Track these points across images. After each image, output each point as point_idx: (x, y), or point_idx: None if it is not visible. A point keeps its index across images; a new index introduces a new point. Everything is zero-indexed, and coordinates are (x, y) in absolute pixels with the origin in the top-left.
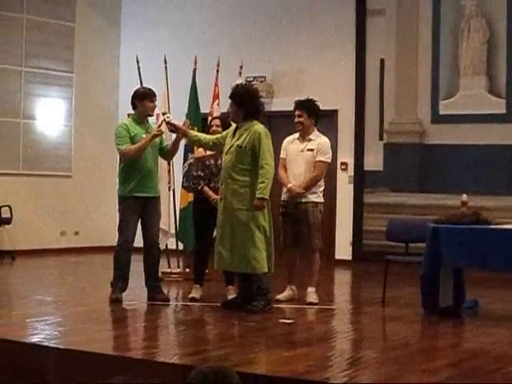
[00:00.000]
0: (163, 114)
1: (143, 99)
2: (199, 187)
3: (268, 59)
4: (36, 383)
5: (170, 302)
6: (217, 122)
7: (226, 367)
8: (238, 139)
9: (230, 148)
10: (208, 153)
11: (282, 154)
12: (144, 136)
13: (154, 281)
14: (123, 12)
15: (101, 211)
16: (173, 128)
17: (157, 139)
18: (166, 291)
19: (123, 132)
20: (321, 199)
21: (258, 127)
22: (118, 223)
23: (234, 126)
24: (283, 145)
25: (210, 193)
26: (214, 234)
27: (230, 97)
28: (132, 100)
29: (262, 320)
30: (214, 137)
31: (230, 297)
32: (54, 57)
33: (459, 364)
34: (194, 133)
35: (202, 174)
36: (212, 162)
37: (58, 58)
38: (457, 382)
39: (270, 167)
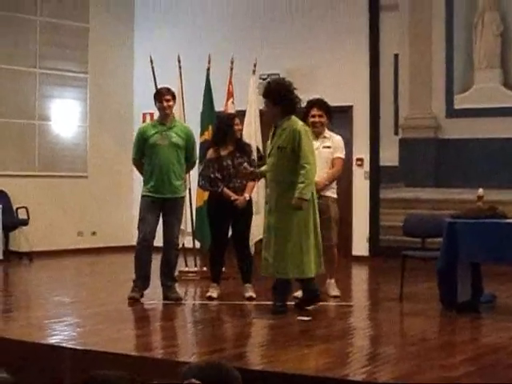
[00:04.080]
0: (241, 163)
1: (156, 100)
2: (219, 190)
3: (281, 56)
4: None
5: (185, 301)
6: (238, 120)
7: (222, 362)
8: (278, 139)
9: (271, 150)
10: (222, 153)
11: None
12: (160, 136)
13: (167, 280)
14: (136, 12)
15: (117, 211)
16: (253, 176)
17: (175, 140)
18: (183, 290)
19: (135, 140)
20: (336, 196)
21: (297, 125)
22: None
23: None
24: None
25: (231, 193)
26: (230, 233)
27: (264, 96)
28: None
29: (279, 318)
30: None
31: (248, 294)
32: (69, 58)
33: (477, 359)
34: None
35: (220, 176)
36: (229, 162)
37: (72, 59)
38: (475, 377)
39: (312, 167)
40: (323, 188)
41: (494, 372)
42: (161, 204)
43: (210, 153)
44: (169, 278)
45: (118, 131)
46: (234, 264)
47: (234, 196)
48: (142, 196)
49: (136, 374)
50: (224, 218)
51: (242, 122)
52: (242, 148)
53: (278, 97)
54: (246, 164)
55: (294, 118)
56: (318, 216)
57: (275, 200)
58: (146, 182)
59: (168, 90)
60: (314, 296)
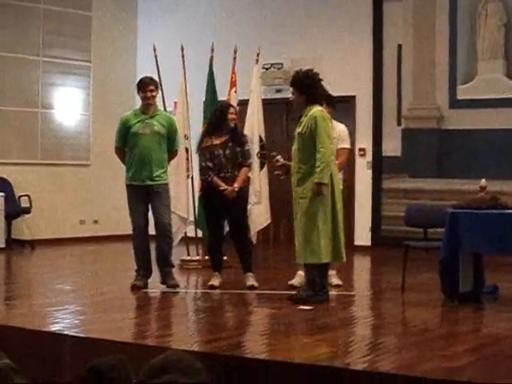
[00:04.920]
0: (273, 156)
1: (138, 90)
2: (209, 178)
3: (285, 46)
4: (56, 372)
5: (187, 290)
6: (233, 110)
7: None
8: (299, 126)
9: (294, 137)
10: (215, 142)
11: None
12: (142, 125)
13: (163, 266)
14: (140, 1)
15: (120, 199)
16: (284, 169)
17: (157, 128)
18: (184, 278)
19: (117, 129)
20: (342, 187)
21: (315, 111)
22: None
23: None
24: None
25: (220, 182)
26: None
27: (291, 84)
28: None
29: (281, 307)
30: None
31: (249, 283)
32: (72, 46)
33: (479, 349)
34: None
35: (211, 165)
36: (221, 151)
37: (75, 47)
38: (477, 367)
39: (327, 150)
40: None
41: (496, 362)
42: (145, 192)
43: (204, 141)
44: (164, 264)
45: None
46: (235, 253)
47: (222, 186)
48: (126, 186)
49: (137, 362)
50: (216, 208)
51: (244, 111)
52: (237, 138)
53: (303, 86)
54: (279, 157)
55: (317, 106)
56: (338, 203)
57: (296, 186)
58: (128, 170)
59: (151, 79)
60: (315, 288)
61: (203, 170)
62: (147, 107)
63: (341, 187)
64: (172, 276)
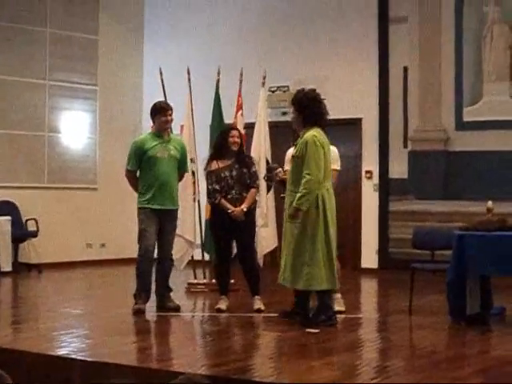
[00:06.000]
0: (275, 168)
1: (156, 114)
2: (216, 201)
3: (291, 69)
4: None
5: (194, 314)
6: (235, 133)
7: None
8: (294, 148)
9: (291, 159)
10: (221, 165)
11: (289, 167)
12: (160, 149)
13: (164, 290)
14: (146, 24)
15: (127, 223)
16: (284, 185)
17: (173, 153)
18: (191, 302)
19: (131, 151)
20: None
21: (308, 135)
22: (137, 234)
23: None
24: (288, 157)
25: (228, 205)
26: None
27: (291, 103)
28: (150, 115)
29: (288, 330)
30: None
31: (256, 307)
32: (78, 70)
33: (487, 371)
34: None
35: (218, 187)
36: (227, 173)
37: (81, 71)
38: None
39: (313, 177)
40: None
41: None
42: (158, 215)
43: (210, 165)
44: (166, 287)
45: (127, 143)
46: (243, 276)
47: (230, 208)
48: (140, 208)
49: None
50: (225, 231)
51: (251, 134)
52: (243, 160)
53: (301, 106)
54: (279, 170)
55: (314, 129)
56: (330, 228)
57: (288, 208)
58: (143, 194)
59: (168, 104)
60: (327, 313)
61: (210, 193)
62: (163, 131)
63: None
64: (172, 299)
